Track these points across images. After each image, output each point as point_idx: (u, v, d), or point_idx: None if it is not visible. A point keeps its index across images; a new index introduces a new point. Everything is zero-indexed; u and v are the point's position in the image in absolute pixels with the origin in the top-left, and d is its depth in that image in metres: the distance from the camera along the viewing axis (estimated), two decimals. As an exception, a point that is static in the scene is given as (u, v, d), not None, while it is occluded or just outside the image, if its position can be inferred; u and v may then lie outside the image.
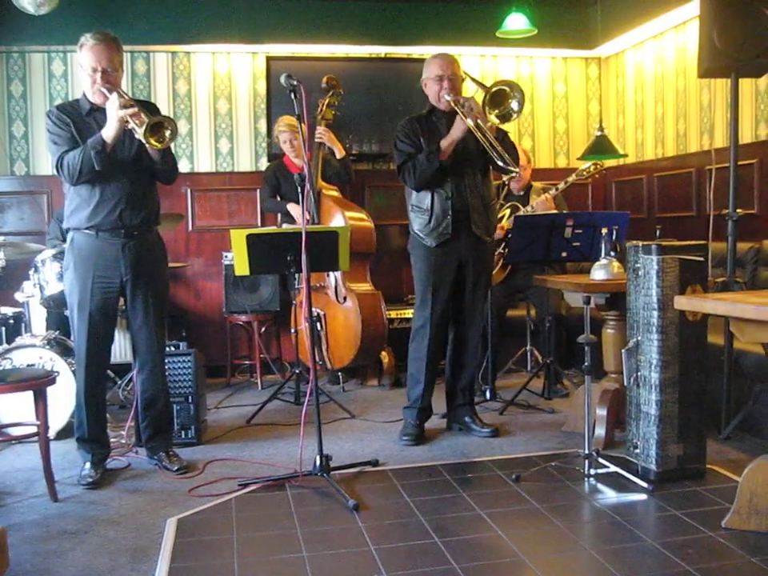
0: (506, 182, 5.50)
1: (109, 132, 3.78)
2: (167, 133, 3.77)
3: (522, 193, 5.84)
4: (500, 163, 4.25)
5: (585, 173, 5.59)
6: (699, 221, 5.92)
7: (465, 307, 4.63)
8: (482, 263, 4.60)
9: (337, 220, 5.62)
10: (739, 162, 4.57)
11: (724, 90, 5.50)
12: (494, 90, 4.19)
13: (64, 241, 4.64)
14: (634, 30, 6.50)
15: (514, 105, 4.22)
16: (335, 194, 5.84)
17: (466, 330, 4.67)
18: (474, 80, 4.56)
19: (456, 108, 4.33)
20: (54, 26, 5.98)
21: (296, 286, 5.58)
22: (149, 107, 3.98)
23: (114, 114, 3.75)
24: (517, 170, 4.38)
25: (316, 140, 5.71)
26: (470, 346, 4.69)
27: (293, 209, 5.85)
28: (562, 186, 5.66)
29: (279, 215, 6.11)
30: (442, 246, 4.50)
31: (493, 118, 4.19)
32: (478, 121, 4.24)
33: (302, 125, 3.98)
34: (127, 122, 3.75)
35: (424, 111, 4.60)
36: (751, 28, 4.30)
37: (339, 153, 5.85)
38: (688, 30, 6.07)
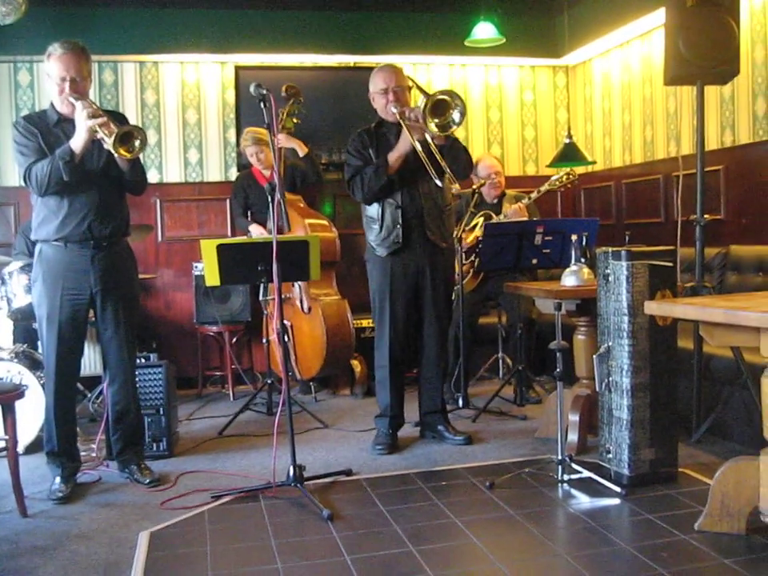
0: (477, 190, 5.50)
1: (77, 142, 3.75)
2: (136, 143, 3.74)
3: (495, 201, 5.87)
4: (437, 181, 4.28)
5: (557, 182, 5.63)
6: (667, 227, 5.98)
7: (425, 315, 4.63)
8: (440, 270, 4.60)
9: (298, 230, 5.59)
10: (706, 169, 4.60)
11: (690, 98, 5.56)
12: (435, 99, 4.19)
13: (30, 255, 4.60)
14: (600, 39, 6.57)
15: (456, 115, 4.20)
16: (299, 203, 5.84)
17: (427, 338, 4.66)
18: (419, 87, 4.55)
19: (401, 121, 4.34)
20: (20, 36, 5.92)
21: (263, 297, 5.54)
22: (117, 117, 3.95)
23: (83, 124, 3.72)
24: (455, 186, 4.35)
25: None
26: (433, 354, 4.67)
27: (254, 230, 5.85)
28: (534, 195, 5.71)
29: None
30: (395, 254, 4.51)
31: (432, 127, 4.19)
32: (426, 135, 4.25)
33: (272, 133, 3.98)
34: (96, 131, 3.71)
35: (373, 124, 4.61)
36: (716, 36, 4.35)
37: (301, 150, 5.82)
38: (653, 39, 6.15)
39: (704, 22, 4.36)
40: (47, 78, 3.91)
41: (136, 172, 3.99)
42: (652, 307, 3.34)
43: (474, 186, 5.51)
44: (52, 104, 3.96)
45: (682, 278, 4.77)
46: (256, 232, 5.84)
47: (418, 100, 4.57)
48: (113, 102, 6.55)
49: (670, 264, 3.74)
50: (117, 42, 6.33)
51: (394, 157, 4.38)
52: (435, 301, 4.60)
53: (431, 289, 4.58)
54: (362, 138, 4.54)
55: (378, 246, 4.53)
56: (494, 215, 5.71)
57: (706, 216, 4.52)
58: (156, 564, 3.11)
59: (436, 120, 4.18)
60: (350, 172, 4.51)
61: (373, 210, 4.52)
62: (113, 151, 3.70)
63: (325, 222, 5.86)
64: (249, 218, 6.04)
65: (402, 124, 4.33)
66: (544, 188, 5.66)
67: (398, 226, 4.45)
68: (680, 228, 4.90)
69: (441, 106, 4.19)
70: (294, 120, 5.74)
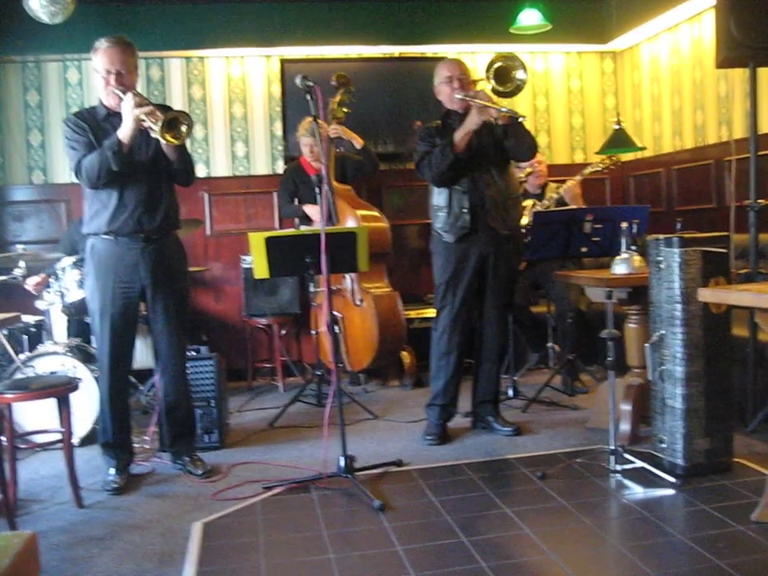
0: (524, 178, 5.47)
1: (125, 131, 3.78)
2: (183, 128, 3.75)
3: (539, 191, 5.83)
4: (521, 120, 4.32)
5: (600, 165, 5.58)
6: (720, 213, 5.87)
7: (485, 303, 4.62)
8: (502, 257, 4.58)
9: (349, 221, 5.59)
10: (759, 153, 4.52)
11: (742, 80, 5.44)
12: (494, 67, 4.27)
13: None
14: (648, 23, 6.45)
15: (520, 74, 4.29)
16: (348, 193, 5.82)
17: (487, 326, 4.65)
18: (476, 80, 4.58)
19: (468, 100, 4.36)
20: (68, 35, 6.00)
21: (313, 289, 5.55)
22: (164, 108, 3.98)
23: (129, 114, 3.75)
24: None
25: (332, 136, 5.66)
26: (493, 342, 4.66)
27: (309, 209, 5.84)
28: (578, 177, 5.63)
29: (297, 218, 6.09)
30: (461, 241, 4.50)
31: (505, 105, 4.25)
32: (492, 115, 4.27)
33: (318, 125, 3.99)
34: (143, 120, 3.74)
35: (440, 118, 4.63)
36: (769, 16, 4.26)
37: (358, 143, 5.81)
38: (703, 21, 6.02)
39: (756, 1, 4.26)
40: (95, 73, 3.96)
41: (184, 161, 4.02)
42: (706, 294, 3.28)
43: (522, 175, 5.48)
44: (100, 100, 4.00)
45: (735, 265, 4.68)
46: (312, 211, 5.84)
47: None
48: (160, 97, 6.61)
49: (724, 250, 3.67)
50: (163, 38, 6.40)
51: (459, 135, 4.37)
52: (497, 288, 4.59)
53: (493, 276, 4.57)
54: (430, 130, 4.58)
55: (446, 232, 4.53)
56: (538, 204, 5.67)
57: (760, 201, 4.44)
58: (209, 554, 3.15)
59: (507, 88, 4.29)
60: (419, 155, 4.54)
61: (440, 197, 4.53)
62: (160, 138, 3.71)
63: (376, 213, 5.83)
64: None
65: (470, 103, 4.34)
66: (587, 171, 5.60)
67: (465, 212, 4.45)
68: (733, 214, 4.80)
69: (502, 74, 4.24)
70: (345, 109, 5.72)
